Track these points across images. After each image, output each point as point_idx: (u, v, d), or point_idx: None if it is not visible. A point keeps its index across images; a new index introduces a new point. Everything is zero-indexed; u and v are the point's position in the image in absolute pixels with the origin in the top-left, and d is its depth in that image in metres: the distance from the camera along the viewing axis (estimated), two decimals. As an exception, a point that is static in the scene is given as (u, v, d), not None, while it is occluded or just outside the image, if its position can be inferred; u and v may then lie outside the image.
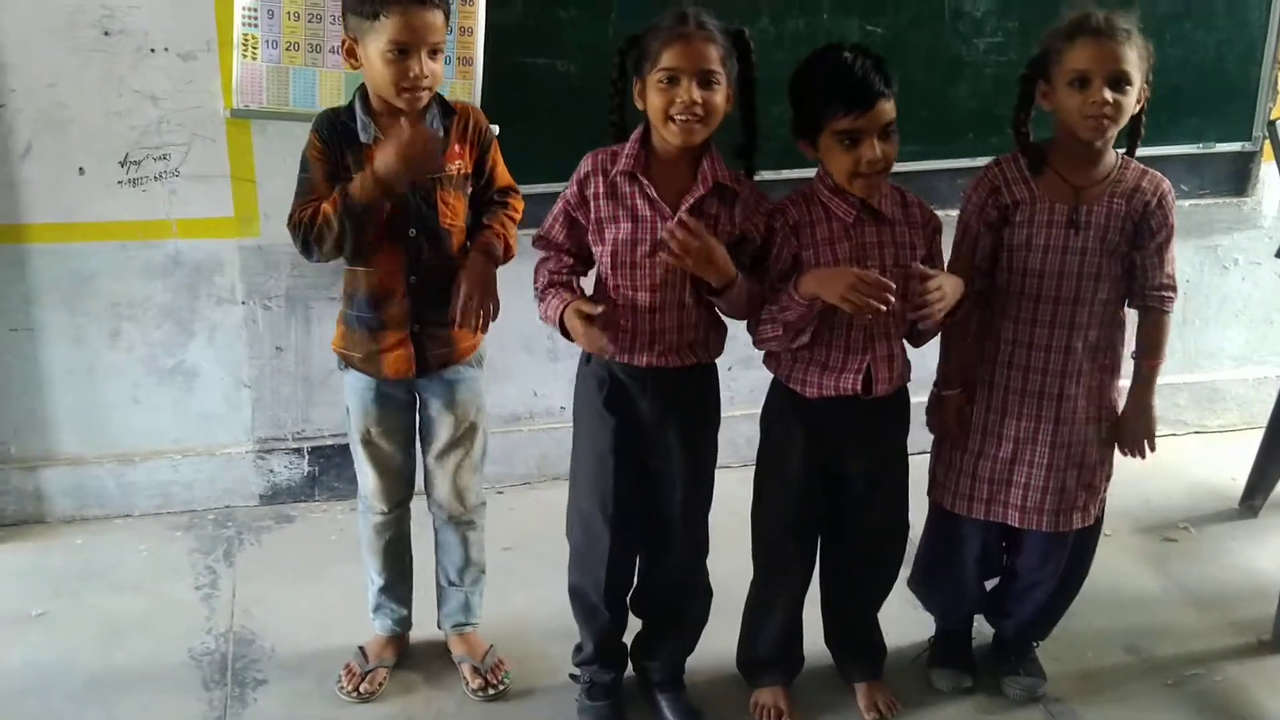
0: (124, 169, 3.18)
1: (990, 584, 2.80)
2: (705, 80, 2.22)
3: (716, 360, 2.48)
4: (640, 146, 2.32)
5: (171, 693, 2.75)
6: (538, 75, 3.26)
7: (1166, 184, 2.48)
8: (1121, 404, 2.61)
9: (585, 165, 2.36)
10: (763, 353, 2.51)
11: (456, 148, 2.51)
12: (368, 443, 2.66)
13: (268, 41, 3.06)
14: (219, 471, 3.50)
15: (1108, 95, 2.30)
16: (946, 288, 2.30)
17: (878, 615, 2.73)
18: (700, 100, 2.21)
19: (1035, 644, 2.83)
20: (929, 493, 2.69)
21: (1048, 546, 2.61)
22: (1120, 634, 3.00)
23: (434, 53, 2.37)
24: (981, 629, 2.89)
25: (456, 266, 2.52)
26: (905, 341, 2.49)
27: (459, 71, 3.13)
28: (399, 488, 2.73)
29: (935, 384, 2.60)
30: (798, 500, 2.54)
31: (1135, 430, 2.60)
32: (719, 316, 2.44)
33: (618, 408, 2.44)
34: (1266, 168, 3.81)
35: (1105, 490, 2.64)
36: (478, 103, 3.09)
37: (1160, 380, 3.91)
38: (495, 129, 2.61)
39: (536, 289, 2.43)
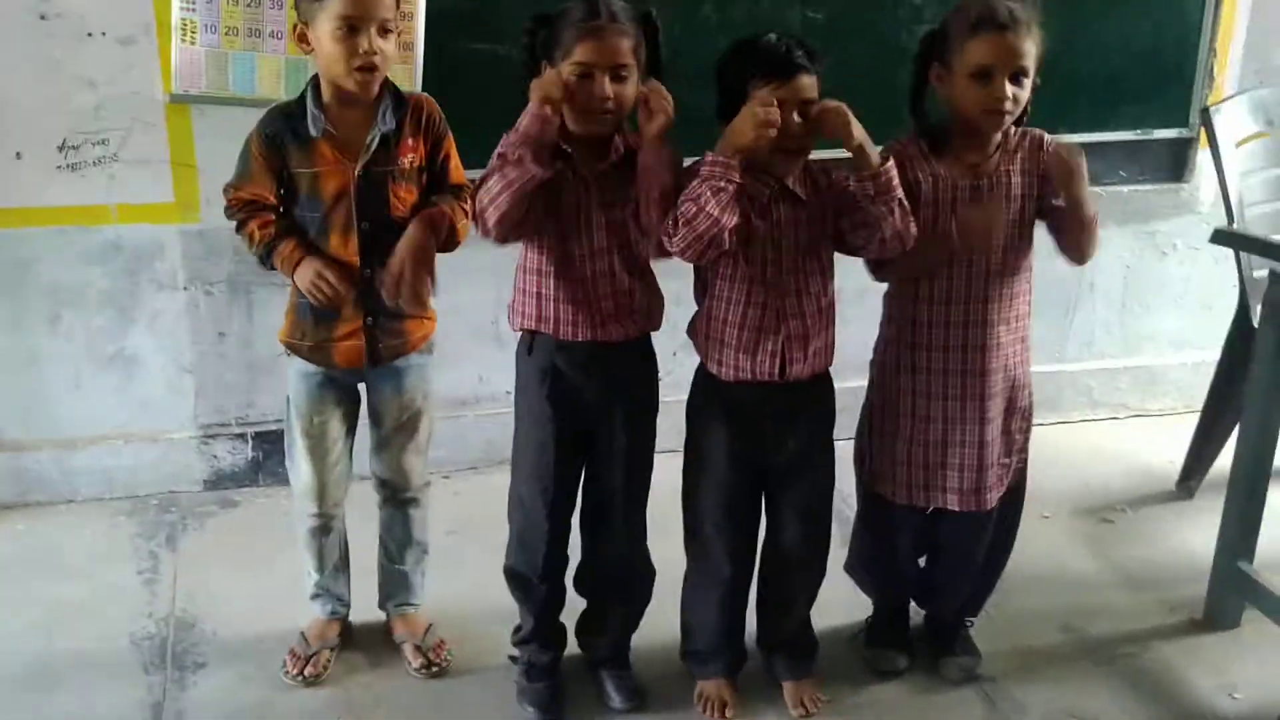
0: (62, 154, 3.15)
1: (923, 562, 2.83)
2: (617, 74, 2.24)
3: (654, 334, 2.50)
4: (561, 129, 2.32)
5: (111, 677, 2.75)
6: (479, 60, 3.26)
7: (1046, 136, 2.50)
8: (1030, 379, 2.64)
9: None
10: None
11: (410, 140, 2.51)
12: (308, 433, 2.64)
13: (206, 26, 3.04)
14: (162, 457, 3.49)
15: (1009, 90, 2.33)
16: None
17: (809, 613, 2.73)
18: (612, 95, 2.24)
19: (969, 623, 2.87)
20: (861, 480, 2.71)
21: (975, 524, 2.64)
22: (1056, 613, 3.04)
23: (384, 31, 2.37)
24: (918, 610, 2.93)
25: None
26: (871, 272, 2.52)
27: (399, 57, 3.12)
28: (334, 488, 2.70)
29: (883, 372, 2.62)
30: (723, 491, 2.53)
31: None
32: (654, 285, 2.46)
33: (560, 399, 2.45)
34: (1203, 154, 3.85)
35: (1024, 459, 2.67)
36: (417, 88, 3.09)
37: (1100, 364, 4.06)
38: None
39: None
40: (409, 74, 3.14)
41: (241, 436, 3.50)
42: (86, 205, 3.21)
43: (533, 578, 2.59)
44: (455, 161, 2.60)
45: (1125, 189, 3.88)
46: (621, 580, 2.66)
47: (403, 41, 3.12)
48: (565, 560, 2.64)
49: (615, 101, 2.25)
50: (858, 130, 2.28)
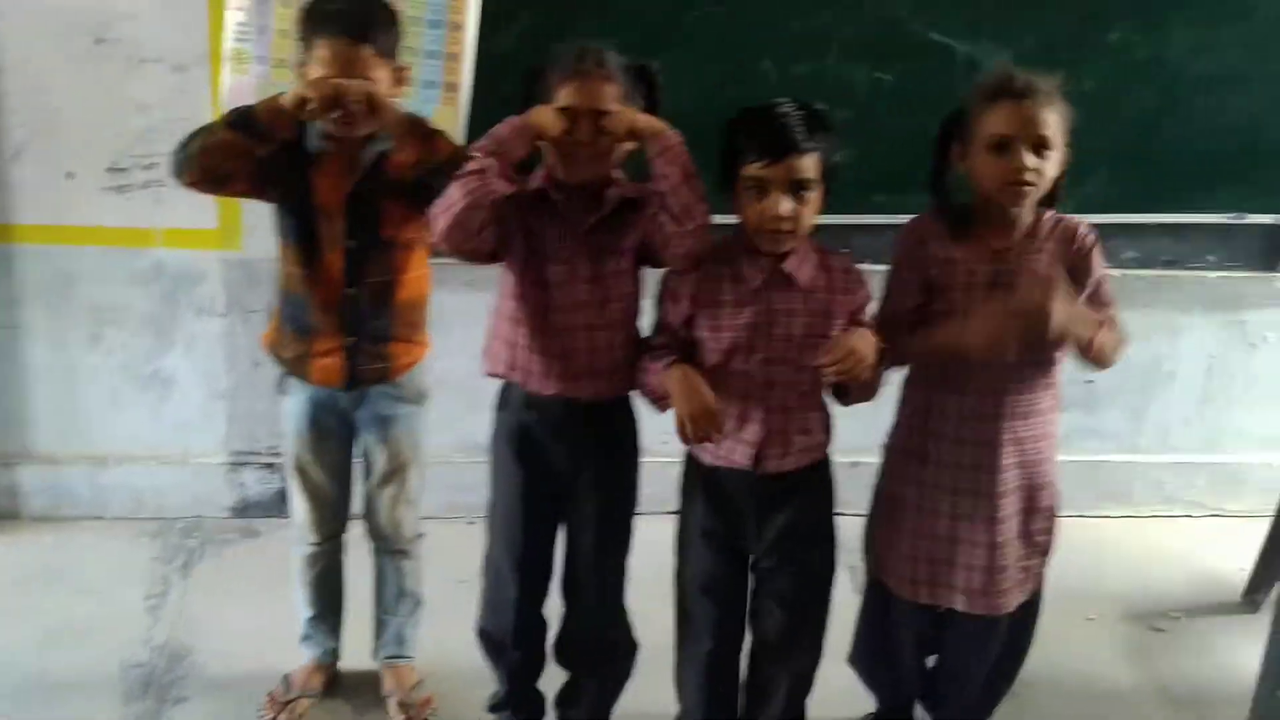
0: (111, 176, 3.21)
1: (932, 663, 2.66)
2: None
3: (630, 393, 2.40)
4: (549, 171, 2.28)
5: (92, 703, 2.75)
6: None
7: (1085, 229, 2.33)
8: (1055, 478, 2.46)
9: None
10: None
11: (400, 157, 2.41)
12: (300, 470, 2.63)
13: (258, 57, 3.06)
14: (191, 481, 3.51)
15: (1029, 161, 2.18)
16: (858, 347, 2.16)
17: (797, 705, 2.56)
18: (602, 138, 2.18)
19: (976, 731, 2.70)
20: (867, 569, 2.56)
21: (983, 628, 2.48)
22: (1076, 727, 2.85)
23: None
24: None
25: (395, 282, 2.49)
26: (836, 401, 2.36)
27: (444, 99, 3.09)
28: (330, 520, 2.69)
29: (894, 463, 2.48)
30: (700, 569, 2.41)
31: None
32: (636, 344, 2.37)
33: (528, 458, 2.39)
34: (1302, 242, 3.61)
35: (1041, 566, 2.49)
36: (462, 130, 3.05)
37: (1177, 458, 3.81)
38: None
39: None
40: (453, 115, 3.07)
41: (270, 466, 3.49)
42: (132, 228, 3.25)
43: (504, 641, 2.52)
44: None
45: (1213, 274, 3.62)
46: (595, 651, 2.56)
47: (448, 82, 3.09)
48: (540, 625, 2.56)
49: (606, 144, 2.20)
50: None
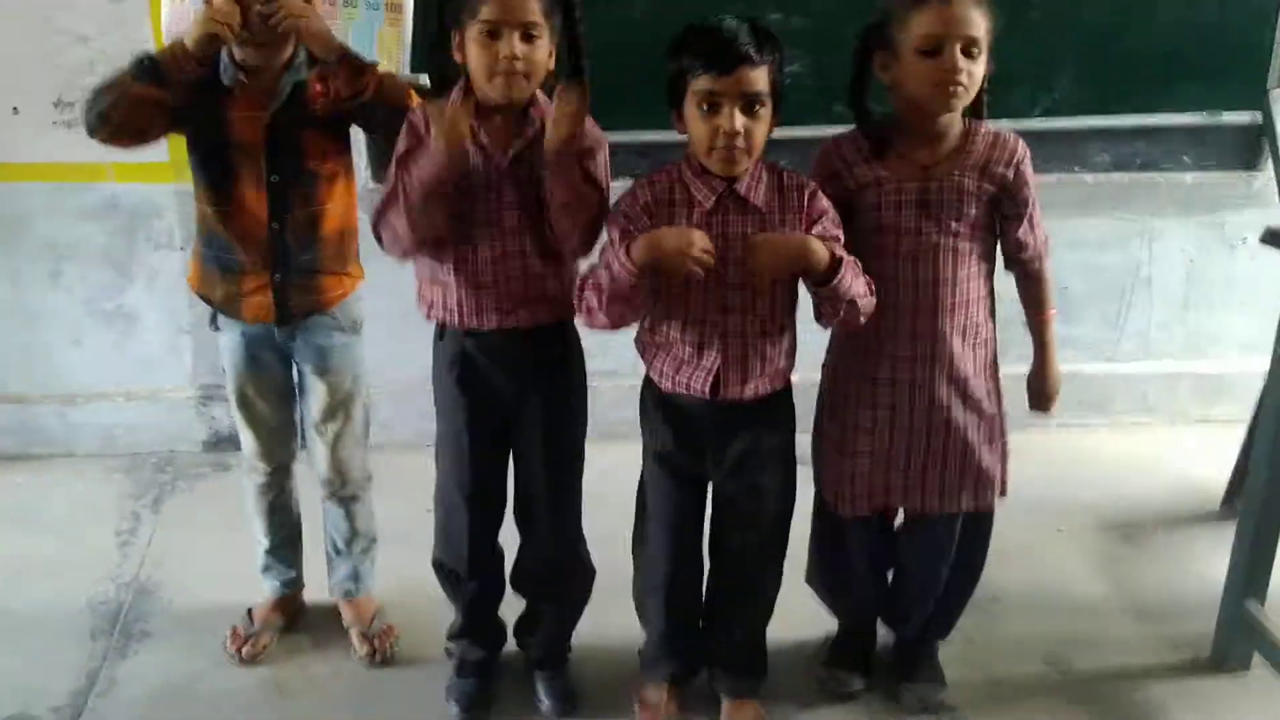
0: (58, 110, 3.17)
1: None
2: (527, 34, 2.10)
3: (573, 318, 2.34)
4: (465, 96, 2.19)
5: (59, 640, 2.77)
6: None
7: (1021, 146, 2.27)
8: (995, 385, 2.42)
9: (413, 117, 2.24)
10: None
11: (319, 86, 2.36)
12: (243, 403, 2.62)
13: (199, -12, 3.00)
14: (162, 416, 3.52)
15: (961, 63, 2.10)
16: (760, 246, 2.12)
17: (758, 632, 2.56)
18: (521, 55, 2.10)
19: (936, 646, 2.68)
20: (816, 492, 2.53)
21: (933, 538, 2.47)
22: (1042, 641, 2.82)
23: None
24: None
25: (321, 214, 2.45)
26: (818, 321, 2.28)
27: (388, 19, 3.02)
28: (278, 449, 2.68)
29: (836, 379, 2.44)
30: (659, 494, 2.39)
31: (1038, 389, 2.47)
32: (571, 269, 2.31)
33: (470, 385, 2.35)
34: (1281, 141, 3.51)
35: (1001, 474, 2.45)
36: (408, 52, 2.99)
37: (1158, 367, 3.75)
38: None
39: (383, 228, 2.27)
40: (397, 35, 3.02)
41: (238, 399, 3.49)
42: (83, 163, 3.21)
43: (459, 571, 2.51)
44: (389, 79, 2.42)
45: (1189, 176, 3.55)
46: (550, 578, 2.55)
47: (391, 3, 3.02)
48: (496, 555, 2.55)
49: (525, 63, 2.12)
50: (790, 253, 2.12)
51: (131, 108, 2.25)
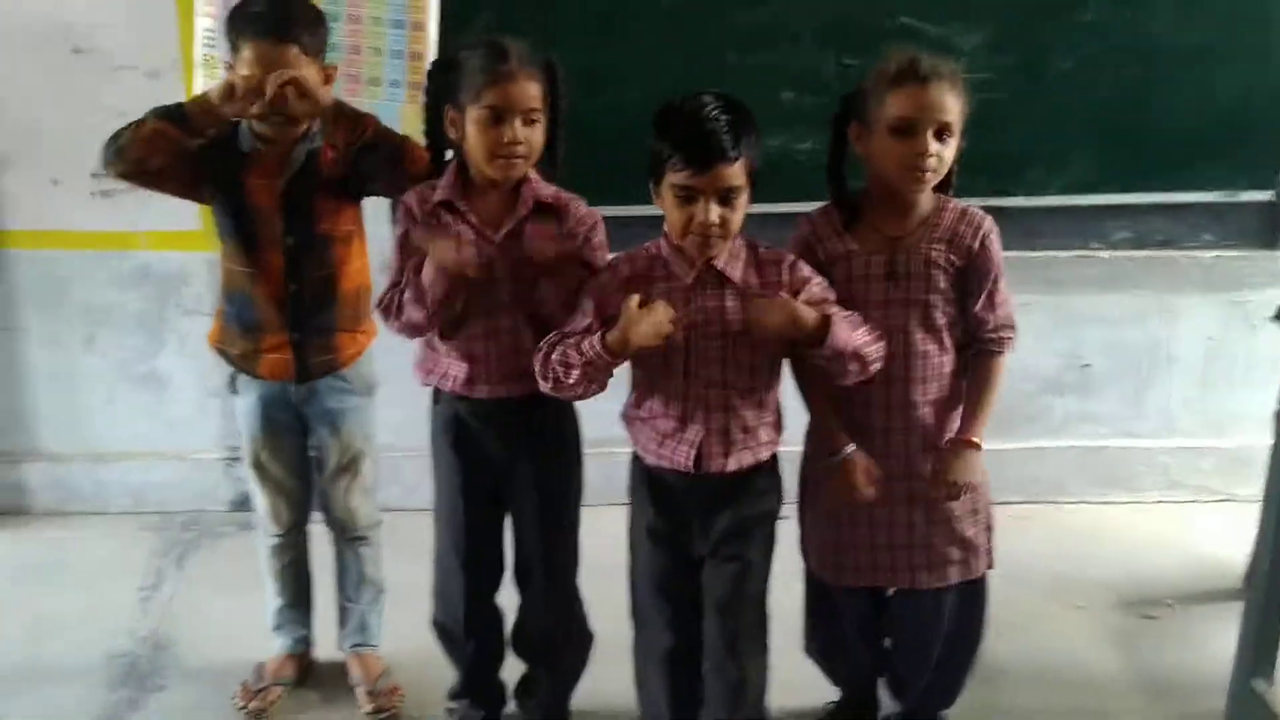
0: (95, 181, 3.29)
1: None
2: (528, 119, 2.19)
3: None
4: (457, 176, 2.28)
5: (77, 691, 2.84)
6: (600, 113, 3.17)
7: (988, 222, 2.29)
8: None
9: (407, 200, 2.32)
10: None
11: (329, 153, 2.48)
12: (257, 466, 2.70)
13: (226, 63, 3.12)
14: (190, 476, 3.61)
15: (931, 146, 2.15)
16: (776, 307, 2.14)
17: (751, 704, 2.47)
18: (523, 139, 2.19)
19: (940, 717, 2.67)
20: (805, 563, 2.54)
21: (921, 607, 2.46)
22: (1050, 714, 2.80)
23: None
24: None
25: (337, 275, 2.53)
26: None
27: (409, 97, 3.12)
28: (291, 511, 2.76)
29: (814, 455, 2.42)
30: (651, 568, 2.40)
31: (945, 470, 2.32)
32: None
33: (464, 449, 2.40)
34: (1300, 219, 3.51)
35: (987, 544, 2.44)
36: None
37: (1181, 442, 3.72)
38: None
39: (392, 320, 2.37)
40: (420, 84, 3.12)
41: (263, 461, 3.57)
42: (117, 231, 3.35)
43: (456, 632, 2.55)
44: (389, 130, 2.53)
45: (1210, 254, 3.56)
46: (546, 641, 2.57)
47: (414, 51, 3.11)
48: (493, 616, 2.58)
49: (526, 145, 2.21)
50: (780, 307, 2.14)
51: (149, 140, 2.36)
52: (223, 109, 2.35)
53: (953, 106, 2.16)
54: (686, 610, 2.43)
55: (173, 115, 2.38)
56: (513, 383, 2.32)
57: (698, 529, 2.34)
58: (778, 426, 2.33)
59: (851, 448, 2.32)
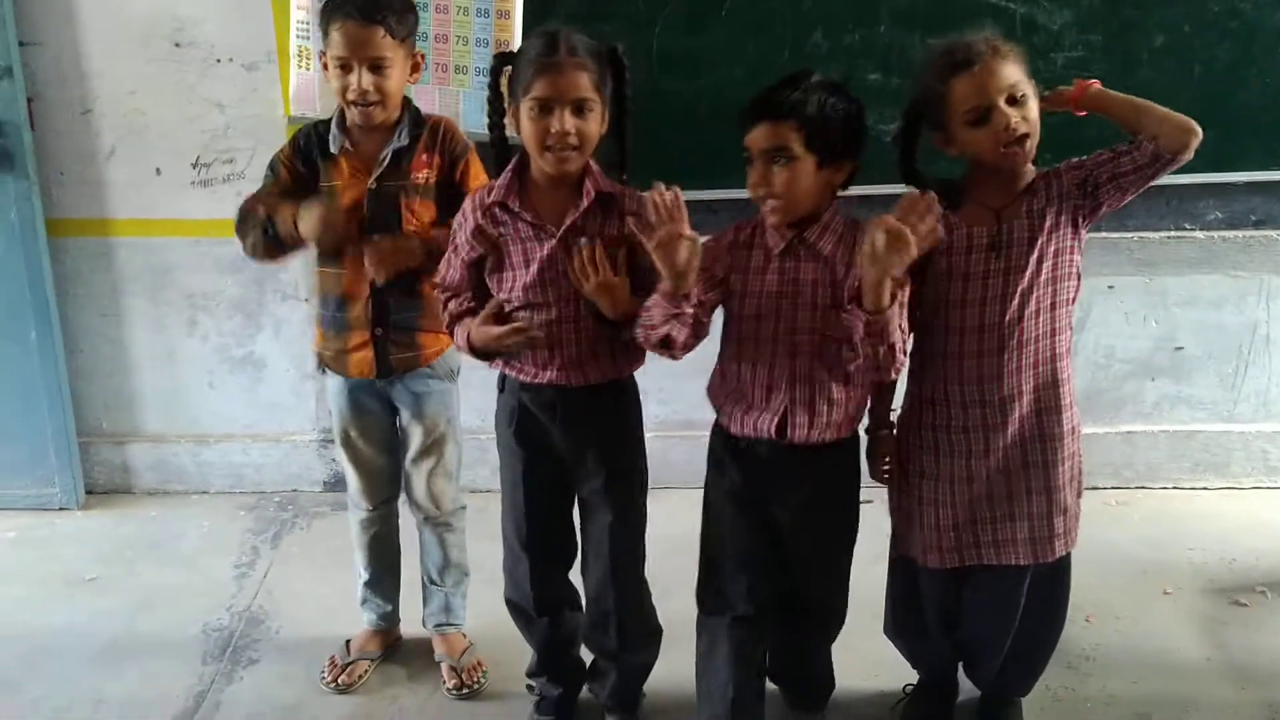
0: (195, 170, 3.42)
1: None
2: (578, 109, 2.18)
3: (631, 375, 2.42)
4: (515, 175, 2.29)
5: (174, 663, 2.94)
6: (696, 95, 3.27)
7: (1059, 167, 2.27)
8: (1076, 423, 2.38)
9: (467, 204, 2.35)
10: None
11: (424, 156, 2.56)
12: (347, 444, 2.77)
13: (320, 53, 3.20)
14: (286, 457, 3.72)
15: (1013, 116, 2.13)
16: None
17: (828, 654, 2.60)
18: (573, 130, 2.18)
19: (1018, 703, 2.65)
20: (891, 545, 2.54)
21: (998, 587, 2.44)
22: (1136, 700, 2.76)
23: (376, 67, 2.44)
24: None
25: (420, 273, 2.58)
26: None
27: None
28: (381, 487, 2.82)
29: (868, 427, 2.46)
30: (729, 539, 2.42)
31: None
32: (624, 330, 2.34)
33: (527, 439, 2.43)
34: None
35: (1067, 525, 2.40)
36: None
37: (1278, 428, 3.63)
38: (470, 143, 2.64)
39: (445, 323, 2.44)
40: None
41: (356, 443, 3.66)
42: (217, 219, 3.44)
43: (527, 609, 2.58)
44: (474, 180, 2.58)
45: (1312, 233, 3.47)
46: (618, 637, 2.55)
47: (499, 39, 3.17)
48: (566, 596, 2.60)
49: (578, 136, 2.20)
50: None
51: (266, 255, 2.59)
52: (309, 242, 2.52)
53: (1010, 72, 2.15)
54: (765, 578, 2.44)
55: (273, 240, 2.56)
56: (576, 370, 2.34)
57: (778, 501, 2.37)
58: (863, 404, 2.35)
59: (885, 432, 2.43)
